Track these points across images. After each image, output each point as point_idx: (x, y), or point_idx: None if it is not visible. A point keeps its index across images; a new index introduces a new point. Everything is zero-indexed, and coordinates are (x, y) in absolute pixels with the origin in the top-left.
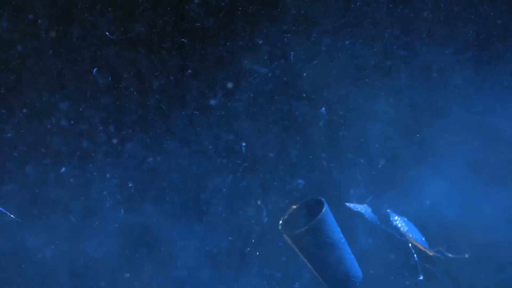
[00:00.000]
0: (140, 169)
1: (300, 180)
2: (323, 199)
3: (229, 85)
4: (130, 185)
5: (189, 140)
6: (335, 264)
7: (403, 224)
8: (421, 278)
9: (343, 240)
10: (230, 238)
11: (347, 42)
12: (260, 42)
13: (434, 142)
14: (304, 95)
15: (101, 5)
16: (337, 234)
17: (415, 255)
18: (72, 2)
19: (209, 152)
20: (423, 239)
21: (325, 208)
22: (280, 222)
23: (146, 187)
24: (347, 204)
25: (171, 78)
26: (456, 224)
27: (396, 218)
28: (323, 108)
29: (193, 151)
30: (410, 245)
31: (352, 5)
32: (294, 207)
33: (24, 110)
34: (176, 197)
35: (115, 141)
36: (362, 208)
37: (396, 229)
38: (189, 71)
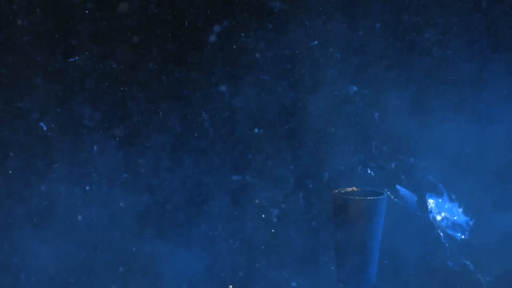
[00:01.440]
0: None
1: (325, 173)
2: (386, 191)
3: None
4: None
5: (197, 131)
6: (359, 253)
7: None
8: (449, 263)
9: (379, 238)
10: (237, 243)
11: (377, 25)
12: (278, 27)
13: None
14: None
15: None
16: (378, 228)
17: (441, 235)
18: None
19: (218, 143)
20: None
21: (385, 196)
22: (336, 191)
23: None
24: (398, 186)
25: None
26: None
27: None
28: (354, 87)
29: (200, 143)
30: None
31: None
32: (355, 189)
33: None
34: (178, 193)
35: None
36: (409, 195)
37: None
38: (189, 59)
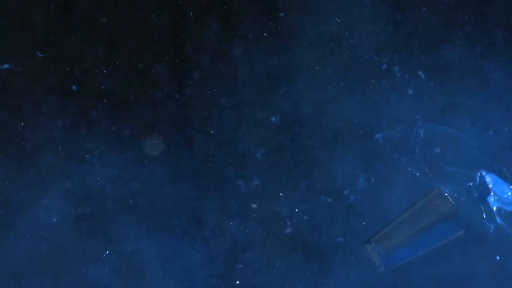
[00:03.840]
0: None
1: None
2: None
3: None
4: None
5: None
6: (405, 238)
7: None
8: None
9: (425, 247)
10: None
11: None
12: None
13: None
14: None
15: None
16: (436, 238)
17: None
18: None
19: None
20: None
21: (460, 225)
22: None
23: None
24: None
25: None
26: None
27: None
28: (397, 67)
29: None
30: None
31: None
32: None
33: None
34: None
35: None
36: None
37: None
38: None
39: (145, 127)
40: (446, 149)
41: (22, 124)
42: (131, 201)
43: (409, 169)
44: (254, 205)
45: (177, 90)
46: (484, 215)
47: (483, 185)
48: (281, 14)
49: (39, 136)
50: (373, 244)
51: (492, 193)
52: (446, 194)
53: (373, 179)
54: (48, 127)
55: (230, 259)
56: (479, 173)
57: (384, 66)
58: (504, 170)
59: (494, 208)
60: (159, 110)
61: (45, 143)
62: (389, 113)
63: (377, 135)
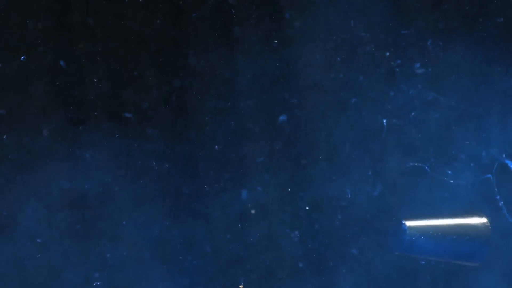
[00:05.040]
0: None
1: (378, 188)
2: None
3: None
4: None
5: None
6: (429, 236)
7: None
8: None
9: (443, 254)
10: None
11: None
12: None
13: None
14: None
15: None
16: (450, 252)
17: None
18: None
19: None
20: None
21: (482, 255)
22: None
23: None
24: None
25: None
26: None
27: None
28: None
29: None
30: None
31: None
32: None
33: None
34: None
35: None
36: None
37: None
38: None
39: (143, 133)
40: (461, 141)
41: (4, 136)
42: (129, 210)
43: (419, 164)
44: (253, 211)
45: (175, 95)
46: (504, 209)
47: (502, 177)
48: (286, 15)
49: (28, 144)
50: (402, 221)
51: None
52: (487, 220)
53: (383, 181)
54: (38, 136)
55: (232, 270)
56: (497, 164)
57: (398, 62)
58: None
59: None
60: (157, 115)
61: (34, 151)
62: (397, 109)
63: (384, 131)
